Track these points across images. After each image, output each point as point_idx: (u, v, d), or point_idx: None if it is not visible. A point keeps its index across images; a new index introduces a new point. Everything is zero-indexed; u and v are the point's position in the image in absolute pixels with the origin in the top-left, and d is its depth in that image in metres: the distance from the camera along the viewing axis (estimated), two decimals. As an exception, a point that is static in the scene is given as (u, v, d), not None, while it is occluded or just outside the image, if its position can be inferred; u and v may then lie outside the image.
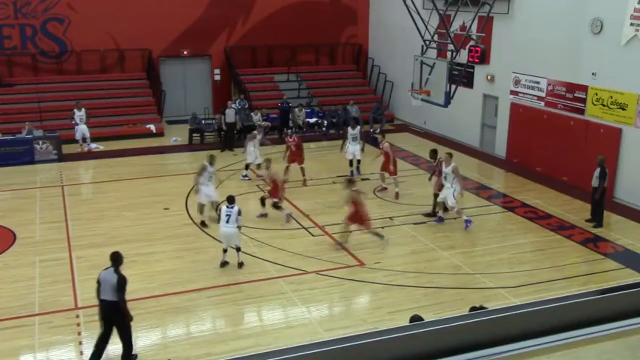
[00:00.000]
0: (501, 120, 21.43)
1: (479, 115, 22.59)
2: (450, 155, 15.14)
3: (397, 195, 17.17)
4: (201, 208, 15.00)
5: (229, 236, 12.62)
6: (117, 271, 9.15)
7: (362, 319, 10.85)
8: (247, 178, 18.68)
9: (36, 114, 22.95)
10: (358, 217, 13.65)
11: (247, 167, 18.77)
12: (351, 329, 10.33)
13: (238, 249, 12.74)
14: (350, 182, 14.45)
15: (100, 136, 22.92)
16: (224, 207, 12.75)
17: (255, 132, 19.25)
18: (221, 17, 26.95)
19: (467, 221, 14.76)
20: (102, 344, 9.31)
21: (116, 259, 9.28)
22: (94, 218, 15.60)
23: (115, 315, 9.18)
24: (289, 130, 18.90)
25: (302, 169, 18.30)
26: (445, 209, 15.25)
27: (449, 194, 14.74)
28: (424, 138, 24.15)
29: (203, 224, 14.91)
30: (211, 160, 15.06)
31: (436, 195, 15.46)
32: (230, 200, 12.81)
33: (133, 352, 9.53)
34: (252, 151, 18.42)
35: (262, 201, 15.55)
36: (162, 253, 13.39)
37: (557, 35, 18.51)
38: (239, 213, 12.56)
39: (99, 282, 9.22)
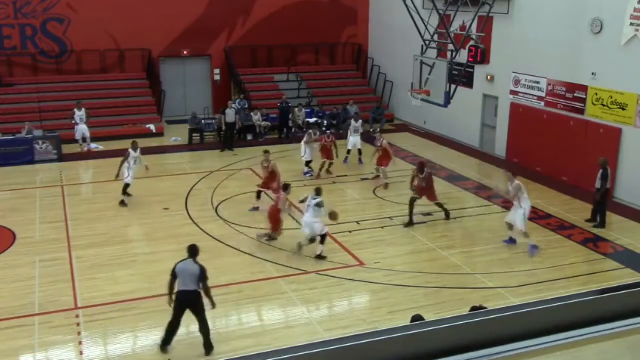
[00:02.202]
0: (501, 120, 21.43)
1: (479, 115, 22.59)
2: (514, 174, 14.08)
3: (385, 185, 17.93)
4: (126, 187, 16.31)
5: (309, 226, 13.12)
6: (196, 262, 9.49)
7: (362, 319, 10.85)
8: (310, 175, 19.17)
9: (36, 114, 22.95)
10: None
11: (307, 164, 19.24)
12: (351, 329, 10.34)
13: (323, 240, 13.09)
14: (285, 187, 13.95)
15: (100, 136, 22.92)
16: (310, 197, 13.22)
17: (311, 131, 19.47)
18: (221, 17, 26.95)
19: (534, 247, 13.52)
20: (173, 331, 9.65)
21: (195, 251, 9.62)
22: (94, 218, 15.60)
23: (196, 304, 9.49)
24: (328, 131, 19.53)
25: (331, 164, 19.02)
26: (512, 228, 14.06)
27: (518, 216, 13.56)
28: (424, 138, 24.15)
29: (123, 203, 16.32)
30: (134, 146, 16.52)
31: (412, 202, 15.08)
32: (317, 192, 13.31)
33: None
34: (306, 149, 18.93)
35: (258, 194, 15.87)
36: (162, 253, 13.37)
37: (557, 35, 18.51)
38: (319, 205, 13.06)
39: (175, 275, 9.46)
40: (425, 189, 15.31)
